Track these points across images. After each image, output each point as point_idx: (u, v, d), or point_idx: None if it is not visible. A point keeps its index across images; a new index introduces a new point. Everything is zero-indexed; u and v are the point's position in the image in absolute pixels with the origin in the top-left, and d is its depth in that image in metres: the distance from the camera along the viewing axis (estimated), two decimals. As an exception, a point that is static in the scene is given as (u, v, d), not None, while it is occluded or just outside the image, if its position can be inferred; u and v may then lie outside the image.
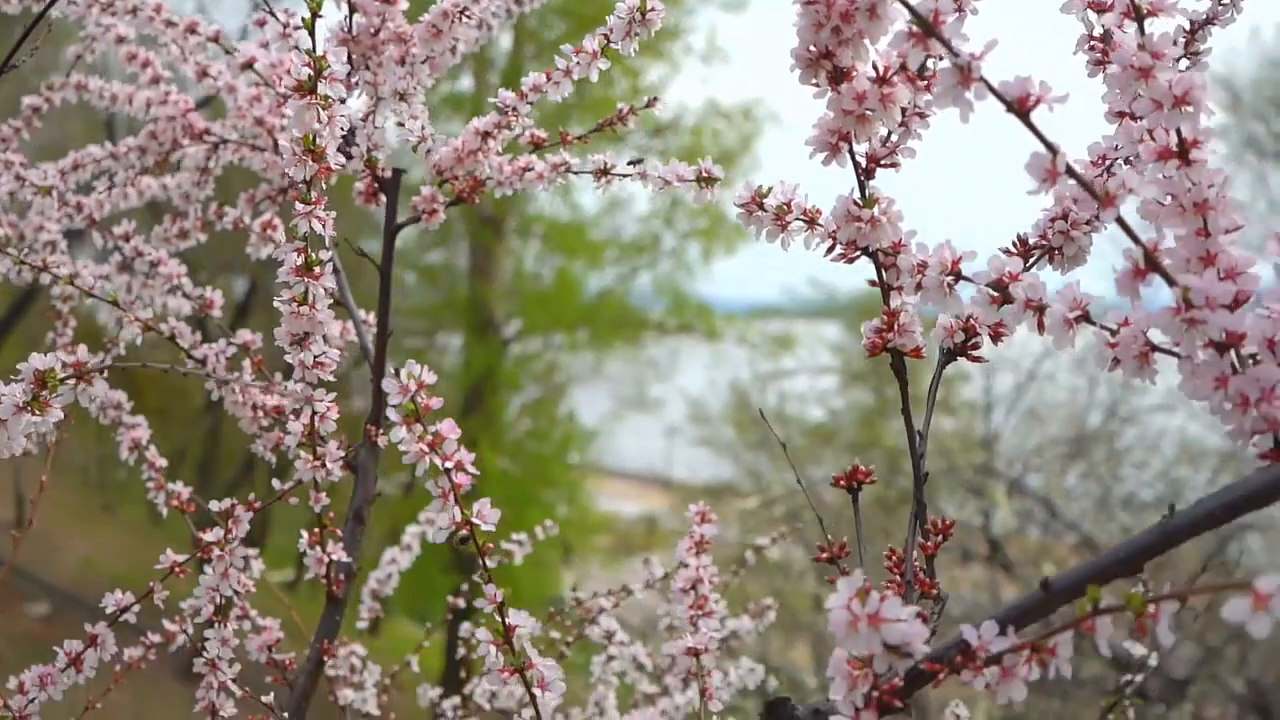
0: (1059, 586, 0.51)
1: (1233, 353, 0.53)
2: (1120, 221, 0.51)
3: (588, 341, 12.41)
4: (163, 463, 1.10)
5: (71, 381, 0.68)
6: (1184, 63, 0.72)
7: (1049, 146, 0.51)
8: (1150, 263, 0.51)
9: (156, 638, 1.13)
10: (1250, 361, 0.53)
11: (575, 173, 0.99)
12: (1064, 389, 8.18)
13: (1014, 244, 0.68)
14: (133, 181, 1.20)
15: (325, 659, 0.98)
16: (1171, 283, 0.51)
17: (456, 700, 1.31)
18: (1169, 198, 0.54)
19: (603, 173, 0.96)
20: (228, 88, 1.15)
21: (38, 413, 0.67)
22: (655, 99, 1.01)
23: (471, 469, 0.63)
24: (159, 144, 1.19)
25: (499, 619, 0.65)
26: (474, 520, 0.63)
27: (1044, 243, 0.68)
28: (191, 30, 1.09)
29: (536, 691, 0.65)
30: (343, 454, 0.91)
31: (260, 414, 1.02)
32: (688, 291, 11.97)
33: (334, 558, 0.97)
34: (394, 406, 0.61)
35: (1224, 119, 9.65)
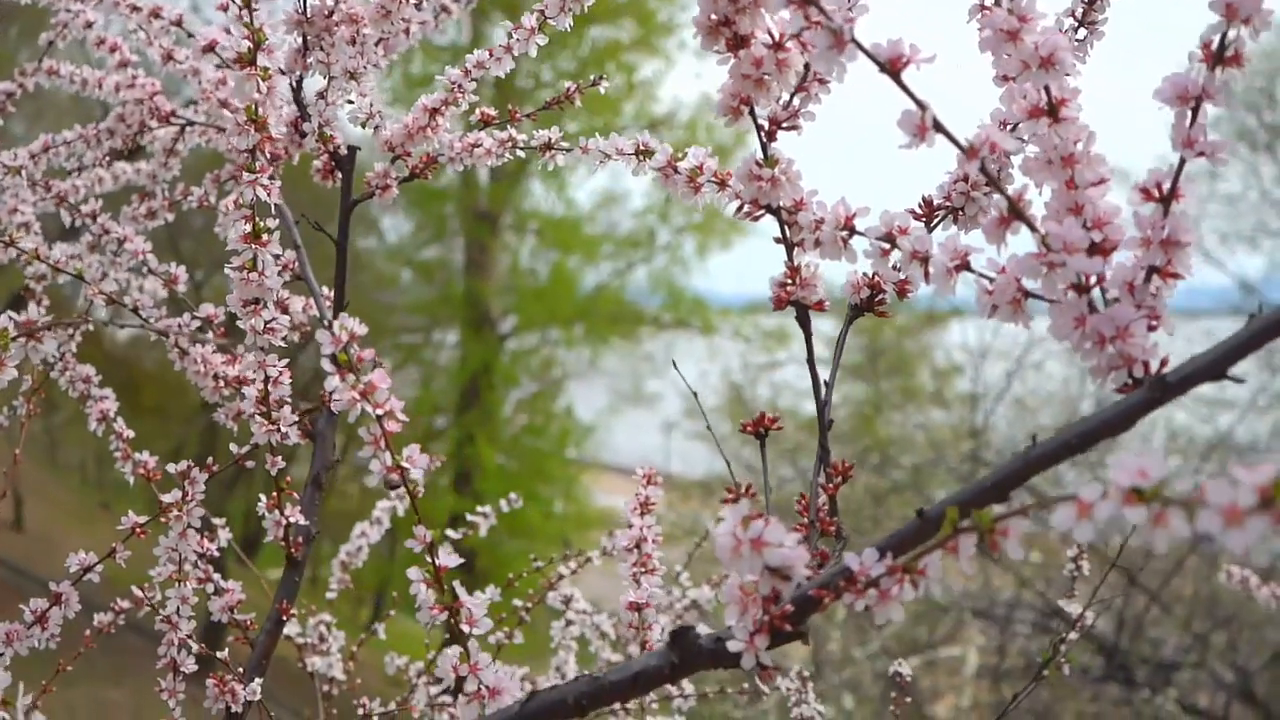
0: (932, 514, 0.55)
1: (1097, 295, 0.56)
2: (984, 172, 0.55)
3: (584, 336, 12.46)
4: (130, 434, 1.14)
5: (22, 340, 0.72)
6: (1082, 31, 0.75)
7: (919, 104, 0.54)
8: (1014, 212, 0.55)
9: (125, 603, 1.17)
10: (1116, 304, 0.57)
11: (522, 148, 1.02)
12: (1056, 380, 8.23)
13: (919, 205, 0.72)
14: (102, 163, 1.24)
15: (284, 618, 1.02)
16: (1034, 229, 0.55)
17: (420, 665, 1.36)
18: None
19: (546, 147, 1.00)
20: (192, 71, 1.19)
21: (-7, 370, 0.71)
22: (600, 77, 1.05)
23: (401, 416, 0.66)
24: (127, 126, 1.22)
25: (429, 559, 0.69)
26: (404, 464, 0.67)
27: (947, 203, 0.72)
28: (155, 15, 1.13)
29: (465, 628, 0.68)
30: (296, 418, 0.94)
31: (221, 384, 1.06)
32: (683, 286, 12.03)
33: (292, 521, 1.00)
34: (326, 357, 0.65)
35: (1215, 110, 9.63)
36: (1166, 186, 0.56)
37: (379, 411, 0.66)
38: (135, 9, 1.14)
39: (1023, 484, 0.54)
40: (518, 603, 1.38)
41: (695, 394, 0.77)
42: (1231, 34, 0.55)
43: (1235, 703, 5.86)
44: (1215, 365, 0.51)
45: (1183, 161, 0.56)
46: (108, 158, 1.24)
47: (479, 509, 1.45)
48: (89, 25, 1.23)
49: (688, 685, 1.33)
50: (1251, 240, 9.04)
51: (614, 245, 12.56)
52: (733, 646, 0.59)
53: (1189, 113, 0.55)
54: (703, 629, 1.40)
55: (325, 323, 1.11)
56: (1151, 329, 0.55)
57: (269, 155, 0.80)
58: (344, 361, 0.65)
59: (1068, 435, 0.53)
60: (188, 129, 1.25)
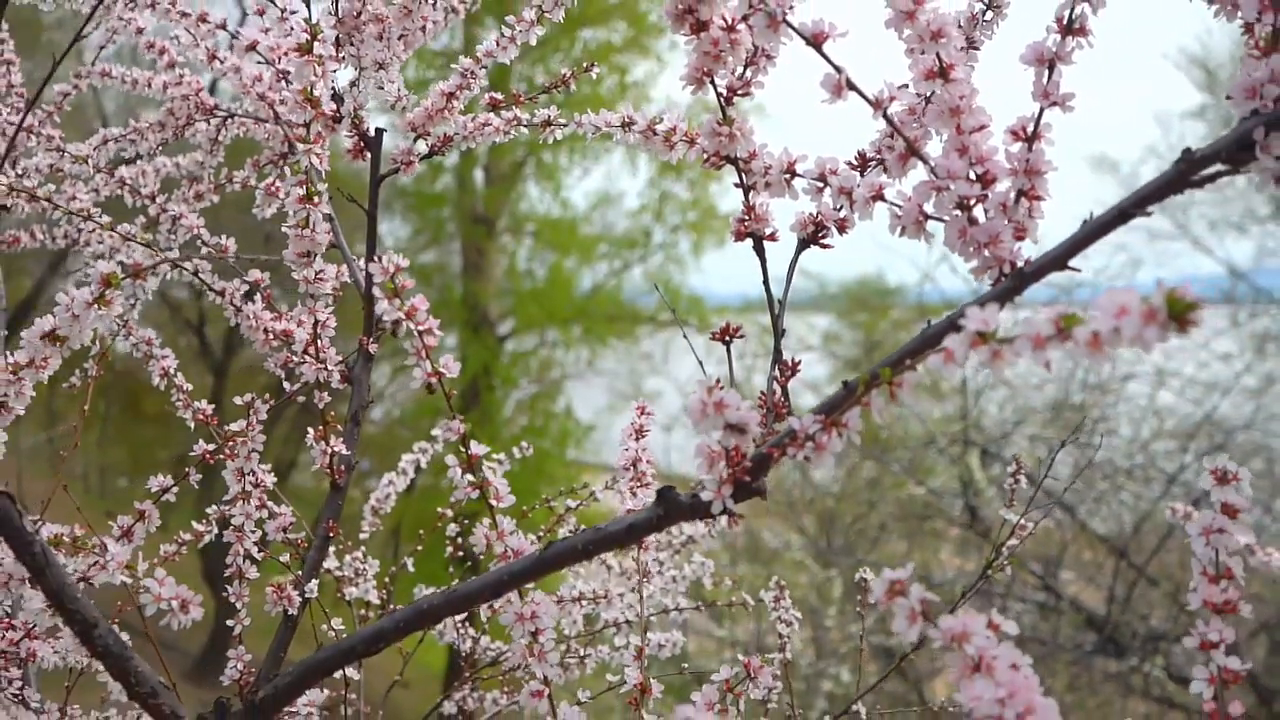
0: (852, 384, 0.71)
1: (980, 213, 0.73)
2: (888, 120, 0.72)
3: (581, 337, 12.62)
4: (188, 386, 1.30)
5: (129, 279, 0.88)
6: (989, 14, 0.92)
7: (836, 69, 0.71)
8: (910, 150, 0.72)
9: (187, 535, 1.33)
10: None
11: (526, 125, 1.19)
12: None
13: (854, 158, 0.89)
14: (151, 155, 1.41)
15: (330, 535, 1.18)
16: (926, 163, 0.71)
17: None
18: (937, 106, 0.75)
19: (547, 123, 1.17)
20: (233, 68, 1.35)
21: (103, 307, 0.87)
22: (592, 64, 1.22)
23: (438, 332, 0.83)
24: (175, 119, 1.39)
25: (463, 451, 0.85)
26: (441, 370, 0.83)
27: (878, 156, 0.88)
28: (202, 20, 1.29)
29: (493, 502, 0.85)
30: (341, 359, 1.11)
31: (270, 337, 1.22)
32: (680, 284, 12.20)
33: (336, 451, 1.17)
34: (378, 284, 0.81)
35: (1201, 99, 9.81)
36: (1030, 129, 0.73)
37: (420, 328, 0.83)
38: (185, 14, 1.30)
39: (919, 355, 0.70)
40: (530, 536, 1.54)
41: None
42: (1078, 10, 0.72)
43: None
44: (1060, 259, 0.67)
45: (1041, 110, 0.72)
46: (159, 149, 1.41)
47: (494, 456, 1.61)
48: (140, 31, 1.39)
49: (684, 599, 1.50)
50: (1239, 226, 9.20)
51: (610, 245, 12.74)
52: (705, 496, 0.75)
53: (1046, 71, 0.72)
54: (695, 558, 1.55)
55: (358, 284, 1.27)
56: (1019, 238, 0.72)
57: (319, 131, 0.97)
58: (390, 288, 0.82)
59: (954, 315, 0.70)
60: (229, 121, 1.42)
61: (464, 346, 11.81)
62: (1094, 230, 0.66)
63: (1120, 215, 0.66)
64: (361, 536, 1.62)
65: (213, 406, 1.27)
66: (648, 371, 13.32)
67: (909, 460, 7.72)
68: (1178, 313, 0.48)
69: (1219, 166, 0.65)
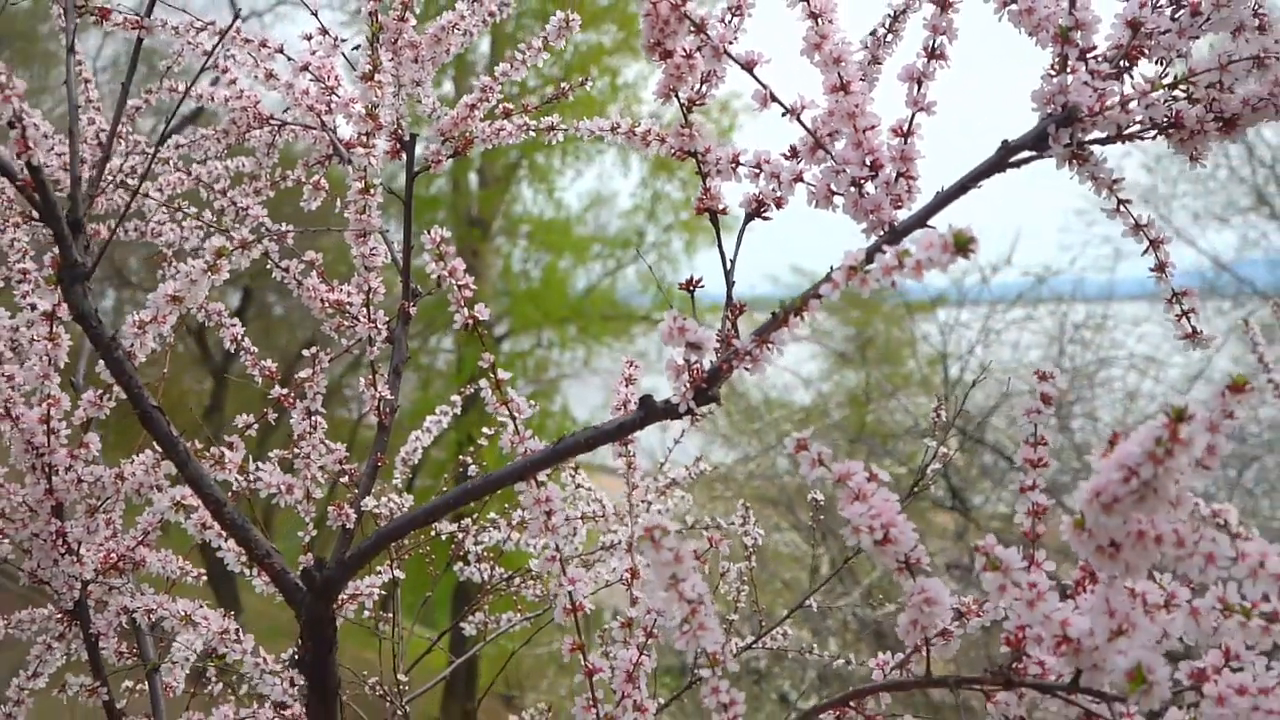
0: (779, 313, 0.98)
1: (870, 188, 1.00)
2: (800, 122, 0.99)
3: (577, 336, 12.87)
4: (255, 350, 1.57)
5: (239, 250, 1.15)
6: (889, 36, 1.19)
7: (762, 85, 0.98)
8: (818, 144, 0.99)
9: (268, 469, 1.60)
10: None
11: (534, 130, 1.46)
12: (1034, 354, 8.72)
13: (788, 149, 1.16)
14: (222, 155, 1.68)
15: (379, 464, 1.45)
16: (827, 152, 0.99)
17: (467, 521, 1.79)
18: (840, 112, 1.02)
19: (551, 128, 1.44)
20: (286, 85, 1.62)
21: (214, 273, 1.14)
22: (586, 78, 1.49)
23: (472, 286, 1.10)
24: (237, 127, 1.66)
25: (493, 376, 1.13)
26: (476, 314, 1.11)
27: (805, 149, 1.15)
28: (264, 44, 1.56)
29: (515, 415, 1.12)
30: (388, 319, 1.38)
31: (325, 305, 1.49)
32: (673, 283, 12.45)
33: (383, 395, 1.44)
34: (427, 250, 1.08)
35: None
36: (906, 128, 1.00)
37: (459, 282, 1.10)
38: (247, 40, 1.57)
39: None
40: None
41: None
42: (938, 40, 0.99)
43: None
44: (920, 220, 0.95)
45: (913, 114, 0.99)
46: (224, 153, 1.68)
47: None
48: (207, 54, 1.66)
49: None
50: (1221, 218, 9.49)
51: (604, 245, 13.00)
52: (673, 399, 1.02)
53: (915, 84, 0.99)
54: (675, 493, 1.82)
55: (396, 262, 1.54)
56: (897, 207, 0.99)
57: (371, 137, 1.24)
58: (437, 253, 1.09)
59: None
60: (282, 129, 1.69)
61: (461, 348, 12.06)
62: (943, 199, 0.94)
63: (960, 188, 0.93)
64: (395, 483, 1.89)
65: (273, 380, 1.54)
66: (643, 370, 13.49)
67: (898, 448, 8.01)
68: (961, 244, 0.75)
69: (1029, 153, 0.93)
